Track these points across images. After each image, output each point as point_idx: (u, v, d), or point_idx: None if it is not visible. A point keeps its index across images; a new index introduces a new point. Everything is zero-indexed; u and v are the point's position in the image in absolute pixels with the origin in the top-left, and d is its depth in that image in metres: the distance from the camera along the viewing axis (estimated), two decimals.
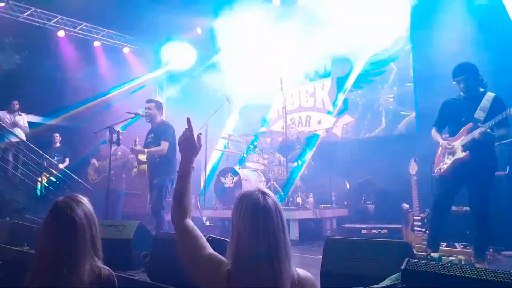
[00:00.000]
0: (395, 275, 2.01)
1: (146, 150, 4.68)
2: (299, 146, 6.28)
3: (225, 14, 7.79)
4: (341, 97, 6.94)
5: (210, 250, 1.56)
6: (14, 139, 7.46)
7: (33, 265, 1.64)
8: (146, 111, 4.79)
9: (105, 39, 8.91)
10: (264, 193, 1.51)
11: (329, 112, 7.10)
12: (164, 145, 4.66)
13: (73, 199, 1.69)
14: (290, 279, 1.45)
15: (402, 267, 1.88)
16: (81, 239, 1.62)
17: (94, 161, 6.36)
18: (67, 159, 7.88)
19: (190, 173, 1.64)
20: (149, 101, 4.96)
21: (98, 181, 6.27)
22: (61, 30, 8.26)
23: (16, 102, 7.52)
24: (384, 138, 6.29)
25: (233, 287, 1.44)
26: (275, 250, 1.44)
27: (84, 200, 1.72)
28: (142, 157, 5.11)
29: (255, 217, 1.46)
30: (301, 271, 1.52)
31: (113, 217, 5.57)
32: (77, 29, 8.51)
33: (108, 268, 1.70)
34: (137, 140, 4.71)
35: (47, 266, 1.58)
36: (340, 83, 7.09)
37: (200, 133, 1.74)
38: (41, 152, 7.64)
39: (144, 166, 5.11)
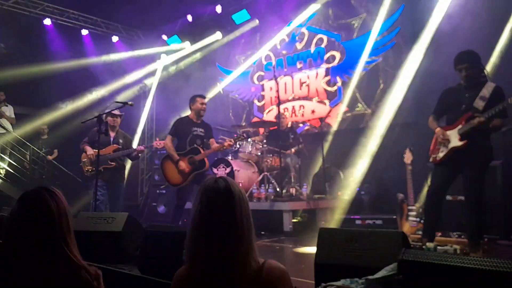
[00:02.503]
0: (392, 265, 1.97)
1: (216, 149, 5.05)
2: (292, 136, 6.21)
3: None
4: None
5: None
6: (0, 131, 7.31)
7: None
8: (204, 106, 5.08)
9: (93, 27, 8.70)
10: (217, 178, 1.46)
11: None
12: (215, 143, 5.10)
13: (45, 189, 1.57)
14: (249, 268, 1.37)
15: (399, 257, 1.84)
16: (52, 231, 1.50)
17: (88, 148, 5.26)
18: (56, 151, 7.75)
19: None
20: (205, 97, 5.25)
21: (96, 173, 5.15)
22: (47, 18, 8.05)
23: (1, 93, 7.36)
24: (379, 127, 6.22)
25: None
26: (225, 235, 1.37)
27: (58, 191, 1.60)
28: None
29: (203, 201, 1.42)
30: (271, 262, 1.42)
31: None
32: (64, 17, 8.29)
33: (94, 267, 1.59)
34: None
35: (15, 261, 1.46)
36: (334, 72, 7.01)
37: None
38: (28, 143, 7.51)
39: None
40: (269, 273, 1.38)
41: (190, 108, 5.15)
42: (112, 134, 5.25)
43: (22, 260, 1.47)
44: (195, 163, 4.87)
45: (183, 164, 4.88)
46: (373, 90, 6.54)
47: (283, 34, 7.75)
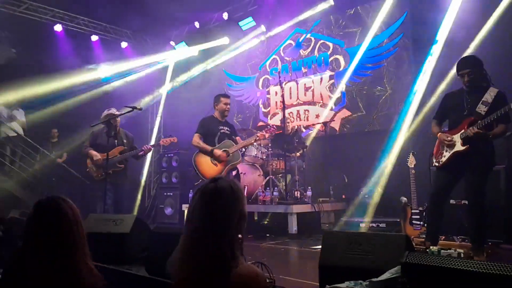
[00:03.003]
0: (395, 268, 2.00)
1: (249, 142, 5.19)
2: (297, 140, 6.26)
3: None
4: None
5: None
6: (11, 134, 7.44)
7: (16, 266, 1.57)
8: (228, 107, 5.18)
9: (103, 33, 8.84)
10: (215, 180, 1.53)
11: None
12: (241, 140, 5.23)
13: (60, 198, 1.65)
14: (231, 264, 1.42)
15: (402, 260, 1.87)
16: (71, 236, 1.58)
17: (94, 153, 5.14)
18: (65, 154, 7.87)
19: None
20: (228, 96, 5.35)
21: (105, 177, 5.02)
22: (58, 24, 8.18)
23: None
24: (383, 131, 6.27)
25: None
26: (214, 231, 1.44)
27: (70, 201, 1.68)
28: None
29: (196, 199, 1.51)
30: (243, 267, 1.45)
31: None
32: (74, 23, 8.44)
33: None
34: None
35: (36, 268, 1.52)
36: (338, 77, 7.07)
37: None
38: (38, 146, 7.63)
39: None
40: (241, 277, 1.41)
41: (214, 108, 5.24)
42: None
43: (37, 265, 1.51)
44: (229, 156, 4.98)
45: (218, 151, 4.94)
46: (376, 96, 6.57)
47: (288, 39, 7.83)
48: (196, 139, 5.08)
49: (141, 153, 5.34)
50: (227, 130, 5.19)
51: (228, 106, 5.21)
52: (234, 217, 1.50)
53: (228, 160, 4.98)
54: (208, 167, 4.97)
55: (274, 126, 5.35)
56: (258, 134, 5.14)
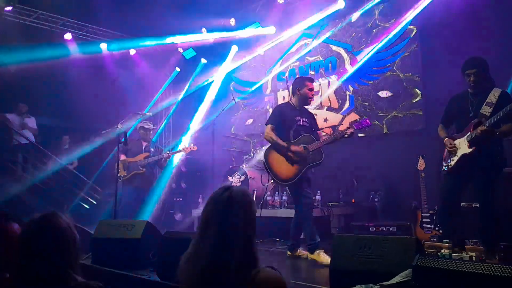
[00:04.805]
0: (406, 271, 2.01)
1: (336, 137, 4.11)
2: None
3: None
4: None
5: None
6: (23, 141, 7.55)
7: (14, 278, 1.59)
8: (313, 93, 4.28)
9: (111, 40, 8.95)
10: (226, 188, 1.54)
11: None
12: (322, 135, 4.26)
13: (54, 213, 1.66)
14: (246, 276, 1.42)
15: (413, 263, 1.87)
16: (67, 250, 1.59)
17: (123, 156, 5.98)
18: (75, 161, 7.96)
19: None
20: (313, 80, 4.39)
21: (128, 177, 5.94)
22: (68, 33, 8.32)
23: (23, 105, 7.62)
24: (392, 135, 6.25)
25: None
26: (230, 242, 1.44)
27: (62, 215, 1.69)
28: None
29: (211, 210, 1.52)
30: (264, 271, 1.46)
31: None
32: (83, 31, 8.57)
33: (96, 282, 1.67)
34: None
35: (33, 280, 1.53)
36: (346, 80, 7.07)
37: None
38: (50, 154, 7.72)
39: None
40: (264, 284, 1.41)
41: (296, 93, 4.25)
42: (144, 144, 6.12)
43: (34, 279, 1.52)
44: (309, 154, 4.02)
45: (297, 148, 3.98)
46: (384, 99, 6.56)
47: (295, 43, 7.87)
48: (270, 132, 4.10)
49: (162, 160, 6.04)
50: (305, 121, 4.20)
51: (313, 92, 4.26)
52: (253, 222, 1.54)
53: (307, 159, 4.00)
54: (283, 166, 4.02)
55: (368, 122, 4.19)
56: (348, 132, 4.04)
